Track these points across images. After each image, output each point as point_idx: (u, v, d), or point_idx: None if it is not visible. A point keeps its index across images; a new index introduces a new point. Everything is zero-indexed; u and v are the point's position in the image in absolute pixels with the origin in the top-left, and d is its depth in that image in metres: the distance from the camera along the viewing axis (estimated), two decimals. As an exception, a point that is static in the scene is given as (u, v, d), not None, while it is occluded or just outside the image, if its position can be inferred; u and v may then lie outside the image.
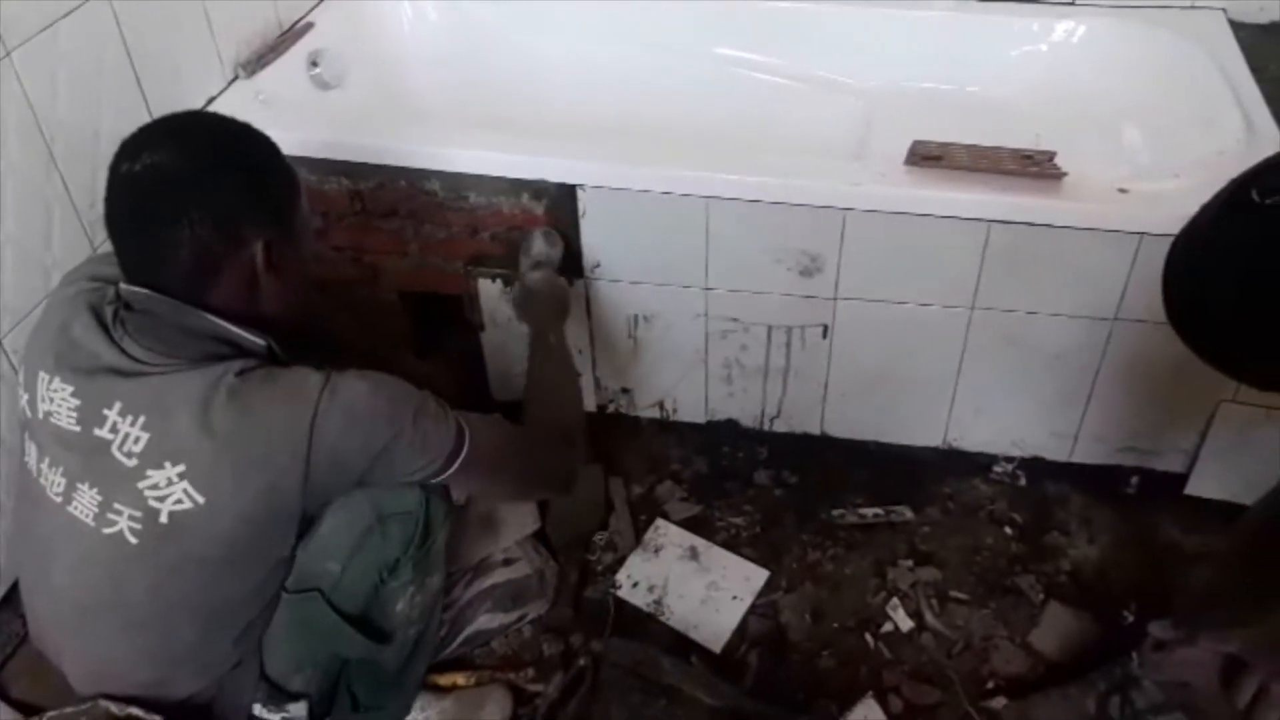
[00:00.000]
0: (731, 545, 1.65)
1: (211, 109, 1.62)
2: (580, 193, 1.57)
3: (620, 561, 1.62)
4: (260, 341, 1.09)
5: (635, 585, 1.59)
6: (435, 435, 1.11)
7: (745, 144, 1.89)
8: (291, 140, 1.58)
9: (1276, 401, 1.49)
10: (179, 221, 1.02)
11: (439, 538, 1.23)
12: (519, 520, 1.58)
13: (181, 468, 1.01)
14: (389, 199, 1.64)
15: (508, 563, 1.52)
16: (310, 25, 1.86)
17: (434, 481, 1.14)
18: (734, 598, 1.56)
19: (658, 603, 1.56)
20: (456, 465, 1.12)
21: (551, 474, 1.33)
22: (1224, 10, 1.84)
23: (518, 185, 1.58)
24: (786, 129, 1.94)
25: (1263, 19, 1.85)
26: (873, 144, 1.77)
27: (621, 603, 1.57)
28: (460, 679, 1.46)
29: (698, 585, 1.59)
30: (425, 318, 1.83)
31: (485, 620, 1.48)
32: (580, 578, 1.59)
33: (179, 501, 1.01)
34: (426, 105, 2.05)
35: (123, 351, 1.04)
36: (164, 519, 1.02)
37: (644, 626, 1.53)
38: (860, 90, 1.96)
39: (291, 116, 1.65)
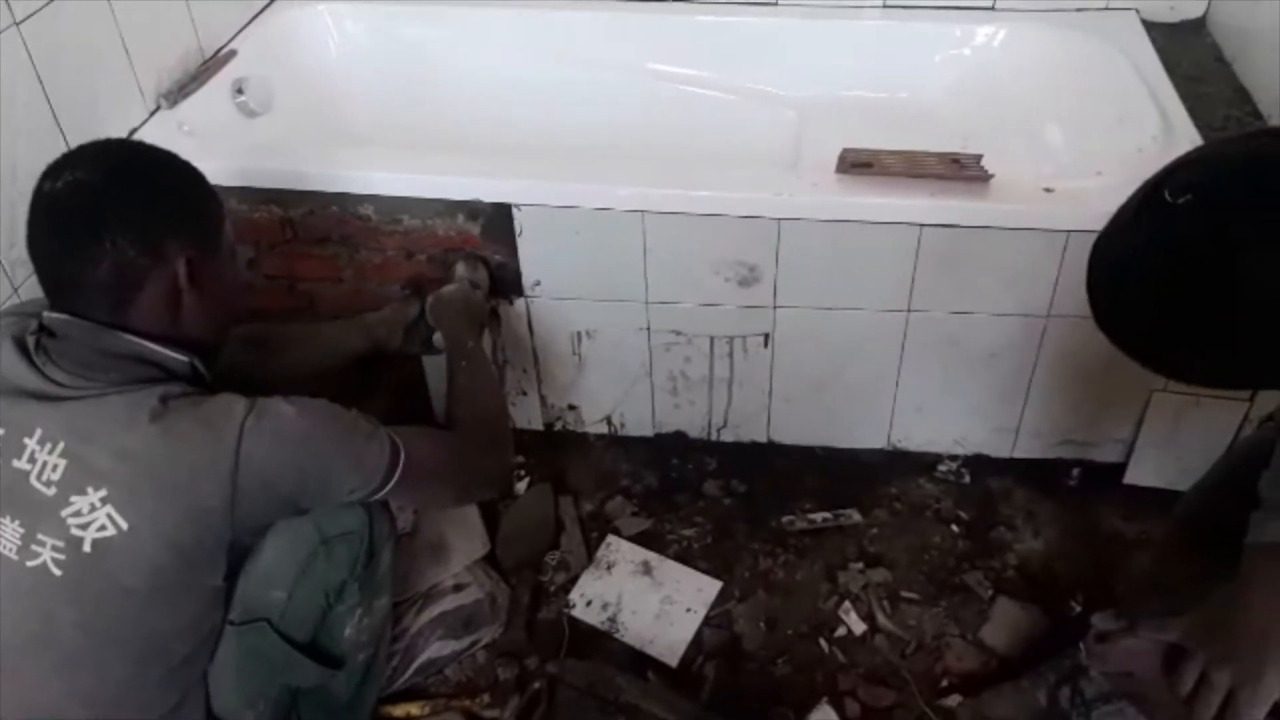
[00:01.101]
0: (684, 558, 1.65)
1: (137, 139, 1.59)
2: (516, 212, 1.56)
3: (573, 580, 1.61)
4: (184, 359, 1.08)
5: (589, 604, 1.58)
6: (368, 453, 1.10)
7: (680, 158, 1.89)
8: (219, 170, 1.57)
9: (1205, 391, 1.53)
10: (99, 236, 1.01)
11: (384, 557, 1.23)
12: (468, 545, 1.56)
13: (104, 492, 0.99)
14: (321, 225, 1.61)
15: (458, 588, 1.50)
16: (233, 52, 1.83)
17: (374, 499, 1.13)
18: (688, 610, 1.56)
19: (612, 620, 1.56)
20: (394, 480, 1.12)
21: (487, 474, 1.34)
22: (1137, 11, 1.89)
23: (452, 206, 1.57)
24: (721, 141, 1.95)
25: (1174, 18, 1.91)
26: (806, 153, 1.79)
27: (575, 622, 1.55)
28: (414, 709, 1.43)
29: (651, 600, 1.58)
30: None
31: (437, 648, 1.46)
32: (533, 599, 1.58)
33: (102, 528, 0.99)
34: (358, 128, 2.03)
35: (45, 377, 1.02)
36: (87, 548, 0.99)
37: (599, 645, 1.52)
38: (792, 101, 1.97)
39: (217, 145, 1.63)
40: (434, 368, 1.77)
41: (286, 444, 1.05)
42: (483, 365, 1.47)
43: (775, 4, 1.96)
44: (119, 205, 1.04)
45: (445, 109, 2.05)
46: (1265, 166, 0.72)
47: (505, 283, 1.64)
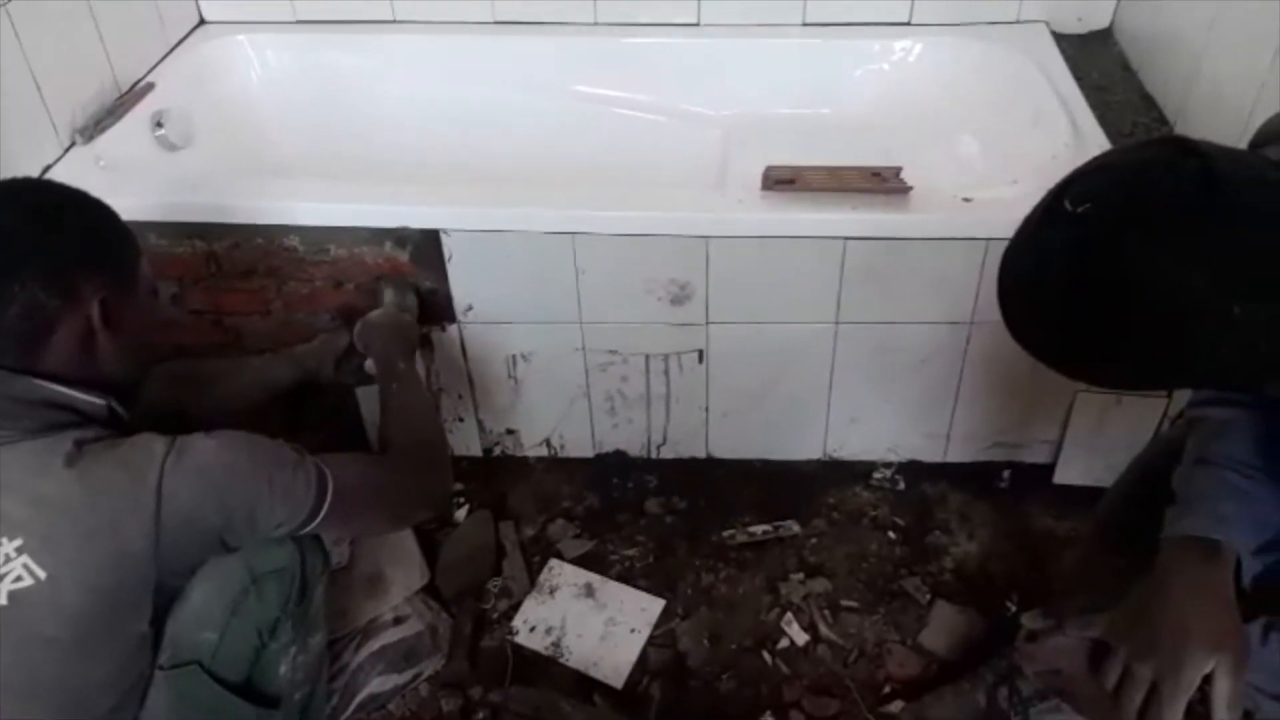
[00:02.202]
0: (626, 578, 1.65)
1: (48, 178, 1.55)
2: (445, 237, 1.55)
3: (515, 607, 1.60)
4: (100, 402, 1.05)
5: (532, 629, 1.57)
6: (295, 485, 1.08)
7: (609, 179, 1.91)
8: (139, 205, 1.55)
9: (1123, 391, 1.57)
10: (10, 277, 0.99)
11: (318, 592, 1.21)
12: (407, 576, 1.54)
13: (19, 541, 0.97)
14: (246, 258, 1.59)
15: (398, 621, 1.48)
16: (151, 85, 1.80)
17: (304, 532, 1.11)
18: (632, 631, 1.56)
19: (556, 644, 1.55)
20: (324, 511, 1.10)
21: (422, 496, 1.31)
22: (1046, 23, 1.95)
23: (380, 234, 1.56)
24: (649, 162, 1.96)
25: (1081, 29, 1.98)
26: (732, 172, 1.81)
27: (519, 649, 1.54)
28: (357, 746, 1.41)
29: (595, 622, 1.58)
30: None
31: (378, 683, 1.44)
32: (475, 628, 1.56)
33: (19, 579, 0.96)
34: (283, 159, 2.00)
35: None
36: (3, 599, 0.96)
37: (544, 670, 1.51)
38: (718, 120, 2.00)
39: (137, 180, 1.60)
40: (367, 397, 1.75)
41: (209, 480, 1.03)
42: (414, 386, 1.45)
43: (698, 24, 1.99)
44: (29, 246, 1.01)
45: (373, 136, 2.04)
46: (1157, 174, 0.74)
47: (437, 308, 1.63)
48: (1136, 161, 0.76)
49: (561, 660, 1.53)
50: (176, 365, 1.41)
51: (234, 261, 1.60)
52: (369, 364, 1.49)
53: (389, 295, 1.57)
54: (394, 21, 2.03)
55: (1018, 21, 1.95)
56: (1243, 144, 0.91)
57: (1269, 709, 0.91)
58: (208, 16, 2.03)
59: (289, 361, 1.52)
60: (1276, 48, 1.39)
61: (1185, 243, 0.71)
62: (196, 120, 1.82)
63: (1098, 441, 1.69)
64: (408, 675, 1.46)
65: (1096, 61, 1.88)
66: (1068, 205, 0.76)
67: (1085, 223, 0.74)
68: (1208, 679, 0.88)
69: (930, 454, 1.79)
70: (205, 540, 1.05)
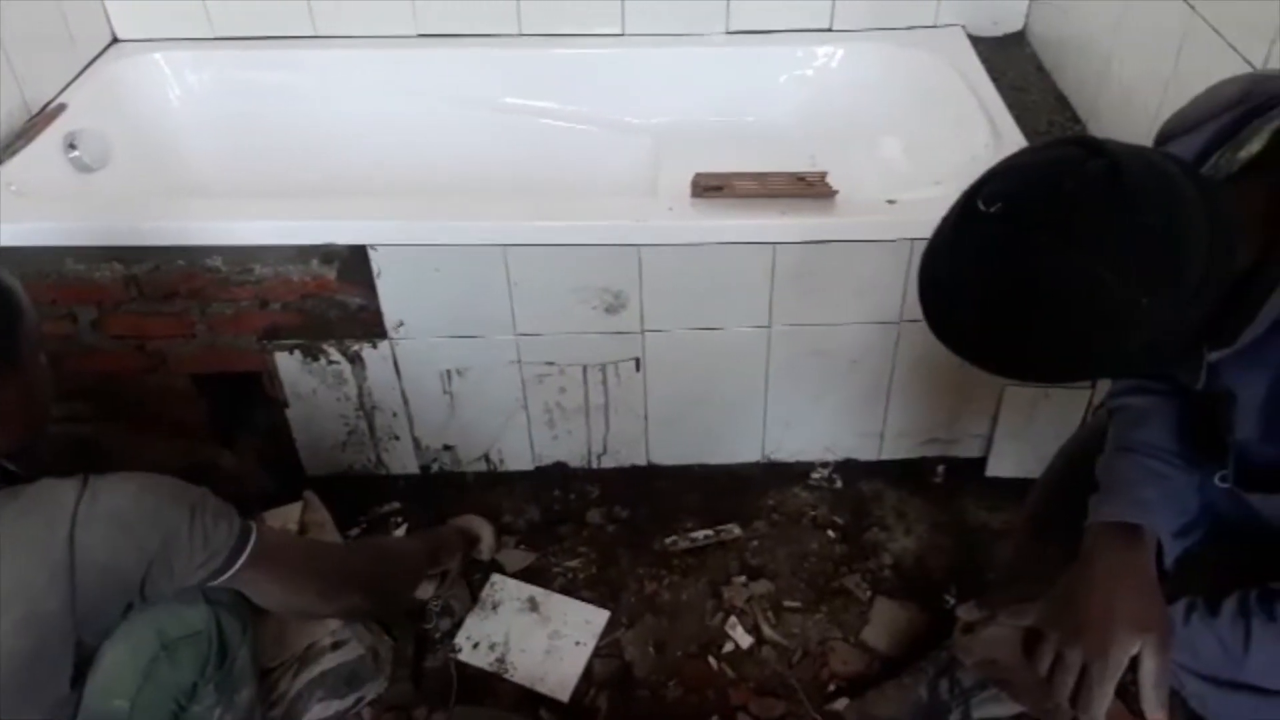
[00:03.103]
0: (570, 590, 1.64)
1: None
2: (372, 253, 1.53)
3: (458, 624, 1.58)
4: None
5: (476, 646, 1.55)
6: (215, 530, 1.05)
7: (540, 190, 1.90)
8: (53, 229, 1.51)
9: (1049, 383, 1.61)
10: None
11: (242, 653, 1.16)
12: (345, 598, 1.51)
13: None
14: (167, 280, 1.55)
15: (337, 645, 1.44)
16: (63, 106, 1.75)
17: (219, 581, 1.07)
18: (577, 643, 1.55)
19: (501, 660, 1.53)
20: (242, 560, 1.06)
21: (363, 586, 1.31)
22: (963, 27, 1.99)
23: (306, 251, 1.53)
24: (580, 172, 1.96)
25: (997, 32, 2.03)
26: (663, 180, 1.81)
27: (463, 667, 1.52)
28: (299, 776, 1.38)
29: (540, 636, 1.56)
30: (224, 400, 1.74)
31: (319, 710, 1.40)
32: (418, 648, 1.54)
33: None
34: (205, 177, 1.96)
35: None
36: None
37: (489, 688, 1.50)
38: (647, 128, 2.00)
39: (50, 204, 1.56)
40: (299, 420, 1.72)
41: (129, 527, 0.98)
42: (417, 554, 1.50)
43: (623, 34, 1.99)
44: None
45: (298, 153, 2.00)
46: (1065, 173, 0.76)
47: (367, 325, 1.61)
48: (1045, 161, 0.79)
49: (506, 676, 1.51)
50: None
51: (155, 285, 1.56)
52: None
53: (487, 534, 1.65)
54: (316, 36, 2.00)
55: (935, 26, 1.99)
56: (1150, 140, 0.94)
57: (1193, 686, 0.94)
58: (121, 35, 1.98)
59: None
60: (1178, 46, 1.45)
61: (1093, 238, 0.73)
62: (112, 141, 1.77)
63: (1027, 434, 1.73)
64: (350, 700, 1.43)
65: (1012, 63, 1.93)
66: (981, 206, 0.77)
67: (998, 222, 0.76)
68: (1135, 660, 0.91)
69: (866, 452, 1.82)
70: (124, 590, 1.00)
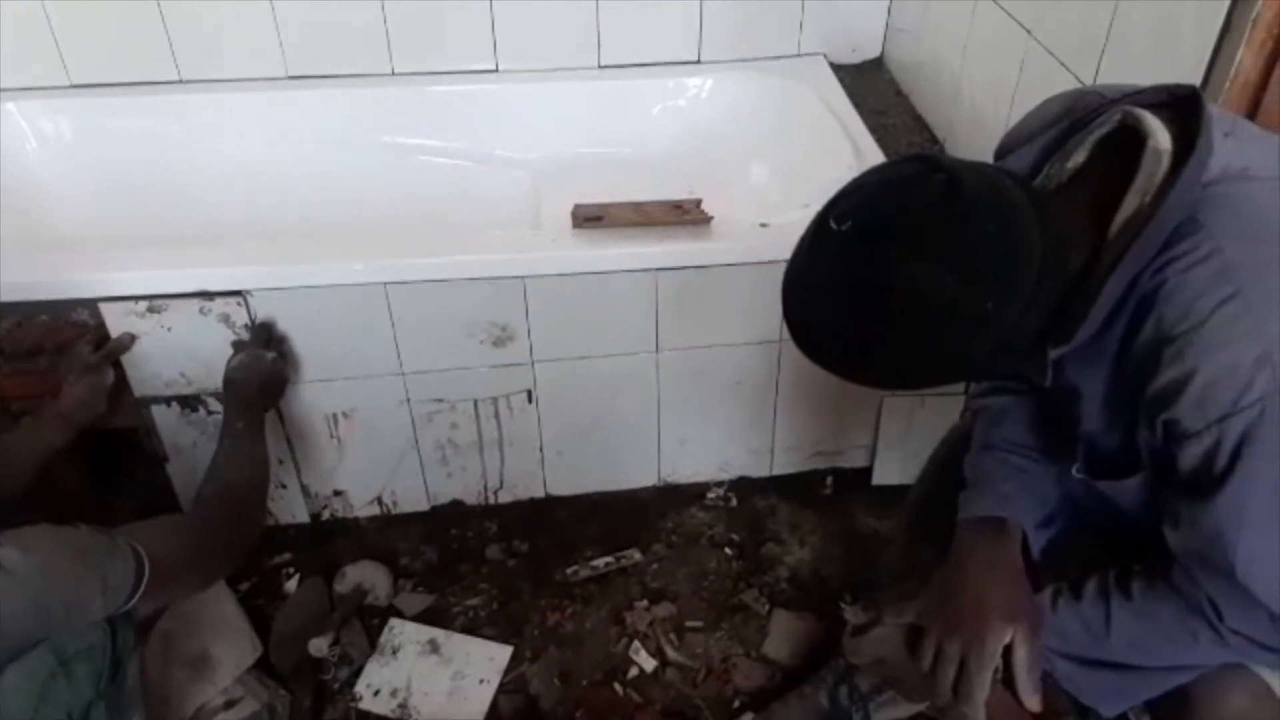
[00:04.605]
0: (471, 628, 1.62)
1: None
2: (249, 298, 1.50)
3: (358, 673, 1.55)
4: None
5: (376, 694, 1.52)
6: (112, 571, 1.04)
7: (421, 227, 1.90)
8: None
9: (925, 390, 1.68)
10: None
11: (130, 669, 1.13)
12: (235, 653, 1.46)
13: None
14: (30, 337, 1.49)
15: (230, 704, 1.40)
16: (-93, 161, 1.66)
17: (120, 612, 1.06)
18: (481, 681, 1.53)
19: (403, 706, 1.50)
20: (141, 590, 1.06)
21: (229, 555, 1.30)
22: (824, 55, 2.08)
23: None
24: (462, 207, 1.97)
25: (856, 59, 2.13)
26: (544, 213, 1.84)
27: (365, 716, 1.49)
28: (194, 845, 1.32)
29: (442, 678, 1.54)
30: (99, 460, 1.66)
31: (215, 773, 1.36)
32: (316, 700, 1.50)
33: None
34: (68, 230, 1.89)
35: None
36: None
37: (392, 734, 1.47)
38: (526, 162, 2.02)
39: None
40: (181, 475, 1.67)
41: (19, 589, 0.95)
42: (244, 444, 1.41)
43: (497, 70, 2.01)
44: None
45: (170, 201, 1.95)
46: (908, 188, 0.81)
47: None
48: (889, 179, 0.84)
49: (410, 721, 1.49)
50: None
51: (16, 341, 1.49)
52: None
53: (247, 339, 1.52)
54: (180, 81, 1.95)
55: (799, 55, 2.07)
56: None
57: (1064, 667, 0.98)
58: (-29, 85, 1.91)
59: (58, 422, 1.41)
60: (1019, 67, 1.55)
61: (936, 247, 0.77)
62: (-37, 196, 1.69)
63: (908, 441, 1.80)
64: (247, 760, 1.39)
65: (872, 88, 2.03)
66: (833, 225, 0.82)
67: (849, 239, 0.80)
68: (1009, 647, 0.95)
69: (757, 469, 1.86)
70: (19, 647, 0.97)
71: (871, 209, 0.81)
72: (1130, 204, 0.83)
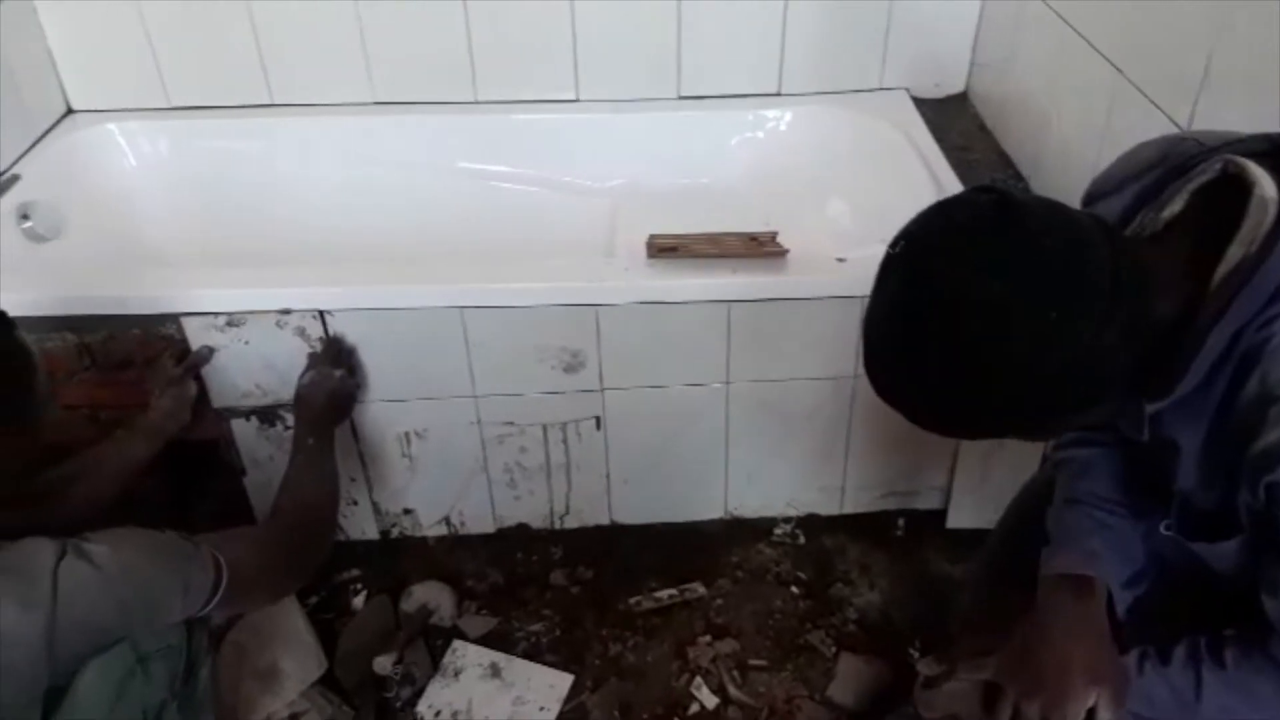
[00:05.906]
0: (533, 654, 1.62)
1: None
2: (329, 318, 1.53)
3: (419, 693, 1.55)
4: None
5: (438, 715, 1.53)
6: (192, 575, 1.07)
7: (497, 253, 1.92)
8: (4, 301, 1.48)
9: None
10: None
11: (203, 673, 1.16)
12: (303, 668, 1.48)
13: None
14: (121, 349, 1.54)
15: (294, 718, 1.42)
16: (16, 178, 1.75)
17: (198, 616, 1.09)
18: (541, 709, 1.53)
19: (463, 729, 1.51)
20: (219, 597, 1.08)
21: (301, 563, 1.32)
22: (907, 90, 2.06)
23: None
24: (538, 234, 1.99)
25: (940, 94, 2.09)
26: (620, 241, 1.84)
27: (425, 736, 1.50)
28: None
29: (503, 703, 1.54)
30: (182, 469, 1.71)
31: (278, 786, 1.38)
32: (378, 717, 1.51)
33: None
34: (161, 246, 1.96)
35: None
36: None
37: (451, 757, 1.47)
38: (603, 191, 2.04)
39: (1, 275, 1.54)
40: (257, 487, 1.70)
41: (107, 585, 0.98)
42: (317, 459, 1.44)
43: (578, 100, 2.03)
44: None
45: (254, 221, 2.01)
46: (957, 206, 0.80)
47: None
48: (944, 201, 0.83)
49: (469, 745, 1.49)
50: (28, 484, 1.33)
51: (108, 353, 1.54)
52: None
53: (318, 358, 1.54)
54: (272, 105, 2.02)
55: (880, 89, 2.05)
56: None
57: (1148, 735, 0.94)
58: (75, 105, 1.99)
59: (146, 434, 1.45)
60: (1109, 106, 1.50)
61: (987, 260, 0.74)
62: (66, 211, 1.77)
63: (985, 485, 1.75)
64: (308, 775, 1.41)
65: (955, 123, 2.00)
66: (889, 250, 0.81)
67: (898, 260, 0.79)
68: (1092, 712, 0.91)
69: (827, 506, 1.83)
70: (101, 642, 1.01)
71: (921, 227, 0.81)
72: (1234, 255, 0.79)
